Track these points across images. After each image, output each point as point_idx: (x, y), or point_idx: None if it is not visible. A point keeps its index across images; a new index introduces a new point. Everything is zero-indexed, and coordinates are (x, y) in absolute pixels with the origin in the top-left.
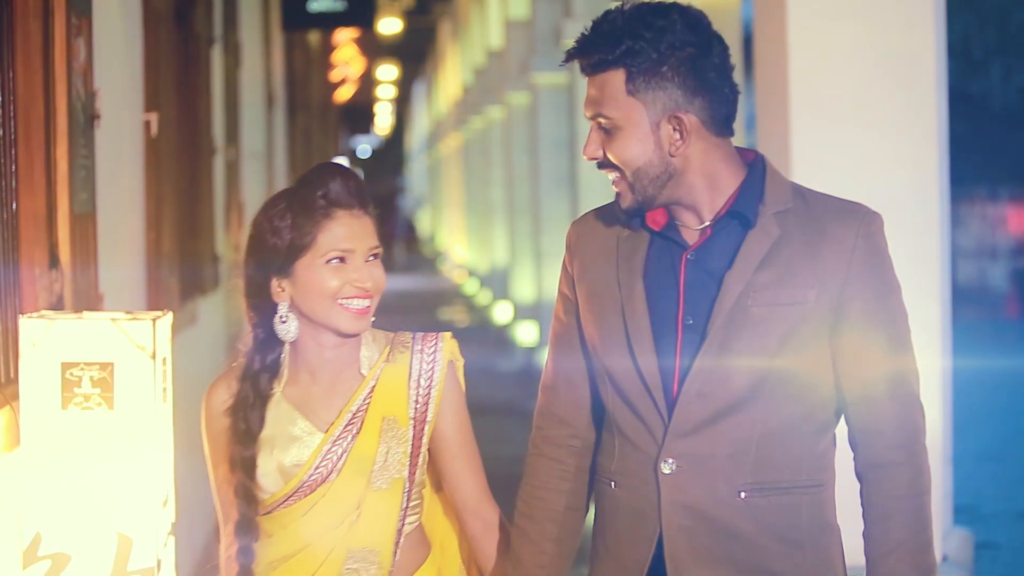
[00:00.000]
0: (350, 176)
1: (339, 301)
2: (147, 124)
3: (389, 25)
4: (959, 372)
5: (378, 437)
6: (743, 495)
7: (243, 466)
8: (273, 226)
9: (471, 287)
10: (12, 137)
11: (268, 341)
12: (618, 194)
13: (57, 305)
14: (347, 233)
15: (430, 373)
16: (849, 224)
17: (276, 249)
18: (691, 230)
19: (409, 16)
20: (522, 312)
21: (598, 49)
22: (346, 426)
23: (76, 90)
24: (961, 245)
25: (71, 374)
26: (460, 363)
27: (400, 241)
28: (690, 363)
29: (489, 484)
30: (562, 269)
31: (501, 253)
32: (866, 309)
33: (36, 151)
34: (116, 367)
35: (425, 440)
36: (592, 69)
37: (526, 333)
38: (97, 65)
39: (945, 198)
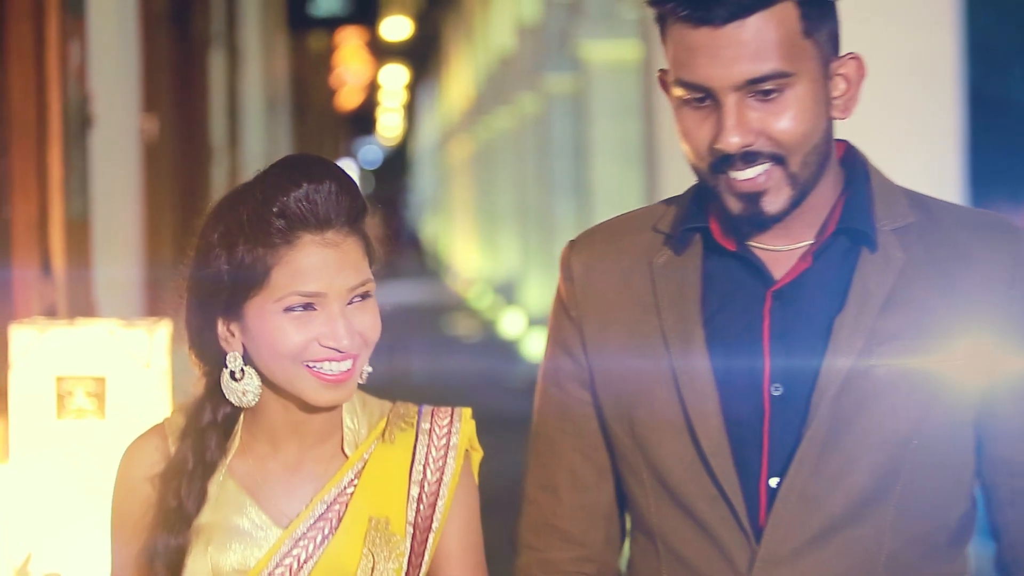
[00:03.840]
0: (324, 178)
1: (305, 363)
2: (144, 127)
3: (397, 27)
4: None
5: (362, 543)
6: None
7: (167, 561)
8: (215, 243)
9: (480, 299)
10: (4, 141)
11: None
12: (759, 196)
13: (50, 313)
14: (315, 268)
15: (441, 464)
16: (999, 246)
17: (219, 280)
18: (775, 253)
19: (418, 20)
20: (534, 321)
21: None
22: (316, 521)
23: (70, 93)
24: None
25: (63, 387)
26: (477, 456)
27: (405, 249)
28: (785, 452)
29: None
30: (558, 312)
31: (512, 261)
32: None
33: (28, 155)
34: (110, 380)
35: (428, 556)
36: (744, 9)
37: (537, 345)
38: (92, 67)
39: (965, 202)
